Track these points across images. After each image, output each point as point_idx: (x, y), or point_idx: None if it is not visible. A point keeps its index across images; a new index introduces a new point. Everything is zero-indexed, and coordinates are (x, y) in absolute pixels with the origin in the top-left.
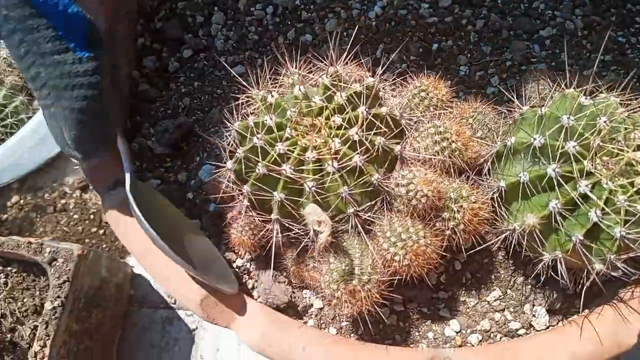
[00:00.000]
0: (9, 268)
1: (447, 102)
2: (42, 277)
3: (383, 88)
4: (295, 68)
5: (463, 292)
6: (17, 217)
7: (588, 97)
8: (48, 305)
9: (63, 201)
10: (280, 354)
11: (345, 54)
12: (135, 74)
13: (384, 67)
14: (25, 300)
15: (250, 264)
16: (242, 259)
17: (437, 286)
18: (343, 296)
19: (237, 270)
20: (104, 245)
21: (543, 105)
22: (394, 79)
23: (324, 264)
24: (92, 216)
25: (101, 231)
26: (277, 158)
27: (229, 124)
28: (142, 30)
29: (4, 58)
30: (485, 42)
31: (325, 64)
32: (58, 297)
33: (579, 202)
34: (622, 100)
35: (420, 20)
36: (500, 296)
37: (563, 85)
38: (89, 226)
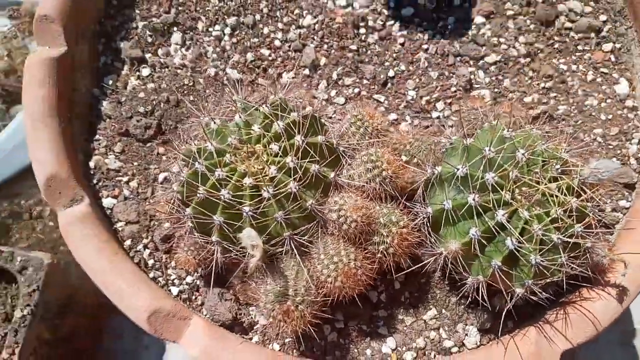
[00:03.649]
0: None
1: (384, 130)
2: (12, 285)
3: (333, 112)
4: (240, 94)
5: (402, 310)
6: None
7: (510, 130)
8: (17, 314)
9: (39, 208)
10: None
11: (294, 74)
12: (96, 91)
13: (337, 91)
14: None
15: (200, 281)
16: (192, 276)
17: (378, 304)
18: (278, 316)
19: (187, 286)
20: None
21: (469, 136)
22: (344, 105)
23: (263, 284)
24: None
25: None
26: (216, 183)
27: (176, 148)
28: (104, 49)
29: None
30: (433, 67)
31: (270, 91)
32: (28, 305)
33: (495, 231)
34: (549, 130)
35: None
36: (436, 315)
37: (493, 117)
38: None
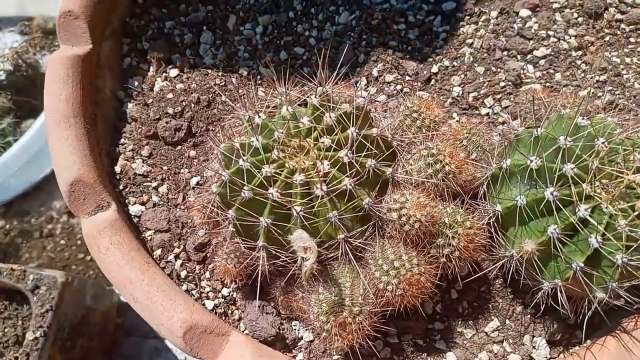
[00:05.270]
0: None
1: (440, 123)
2: (24, 306)
3: (374, 109)
4: (284, 87)
5: (460, 322)
6: (2, 243)
7: (585, 118)
8: (30, 336)
9: (50, 226)
10: None
11: (336, 73)
12: (121, 94)
13: (377, 88)
14: (6, 330)
15: (237, 293)
16: (228, 288)
17: (433, 316)
18: (333, 329)
19: (222, 300)
20: (91, 272)
21: (539, 126)
22: (387, 101)
23: (313, 293)
24: (78, 242)
25: (88, 257)
26: (264, 181)
27: (214, 146)
28: (129, 50)
29: None
30: (479, 62)
31: (315, 84)
32: (40, 326)
33: (578, 228)
34: (619, 121)
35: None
36: (498, 326)
37: (559, 106)
38: (75, 252)
